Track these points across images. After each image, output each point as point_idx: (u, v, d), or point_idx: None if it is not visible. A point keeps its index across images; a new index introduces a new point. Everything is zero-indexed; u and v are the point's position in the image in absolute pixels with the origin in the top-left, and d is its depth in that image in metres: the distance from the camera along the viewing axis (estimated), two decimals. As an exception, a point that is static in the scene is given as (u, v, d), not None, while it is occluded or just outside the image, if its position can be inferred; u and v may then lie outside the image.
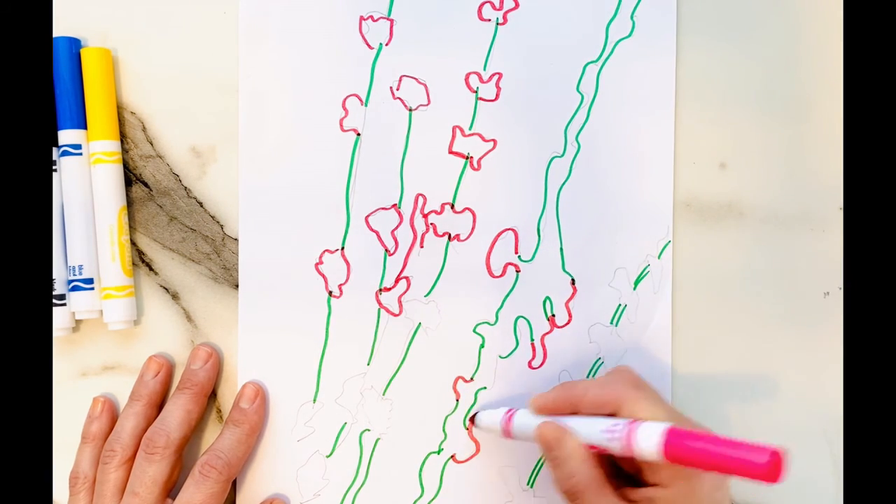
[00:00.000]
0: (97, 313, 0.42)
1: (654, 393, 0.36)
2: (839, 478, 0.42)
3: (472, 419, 0.42)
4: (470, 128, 0.42)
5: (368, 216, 0.42)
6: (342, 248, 0.42)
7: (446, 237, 0.42)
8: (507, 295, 0.42)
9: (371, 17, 0.42)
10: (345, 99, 0.42)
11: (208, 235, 0.43)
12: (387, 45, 0.42)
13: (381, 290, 0.42)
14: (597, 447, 0.34)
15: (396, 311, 0.42)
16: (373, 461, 0.42)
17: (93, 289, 0.41)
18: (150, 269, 0.43)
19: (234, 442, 0.40)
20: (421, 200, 0.42)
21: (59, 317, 0.41)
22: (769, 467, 0.28)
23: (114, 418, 0.42)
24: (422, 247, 0.42)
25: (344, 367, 0.42)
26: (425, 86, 0.42)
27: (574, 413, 0.36)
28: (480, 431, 0.42)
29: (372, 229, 0.42)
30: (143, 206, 0.43)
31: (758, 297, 0.42)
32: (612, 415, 0.34)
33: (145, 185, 0.43)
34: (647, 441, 0.31)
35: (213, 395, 0.42)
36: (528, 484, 0.42)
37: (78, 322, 0.42)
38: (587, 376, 0.42)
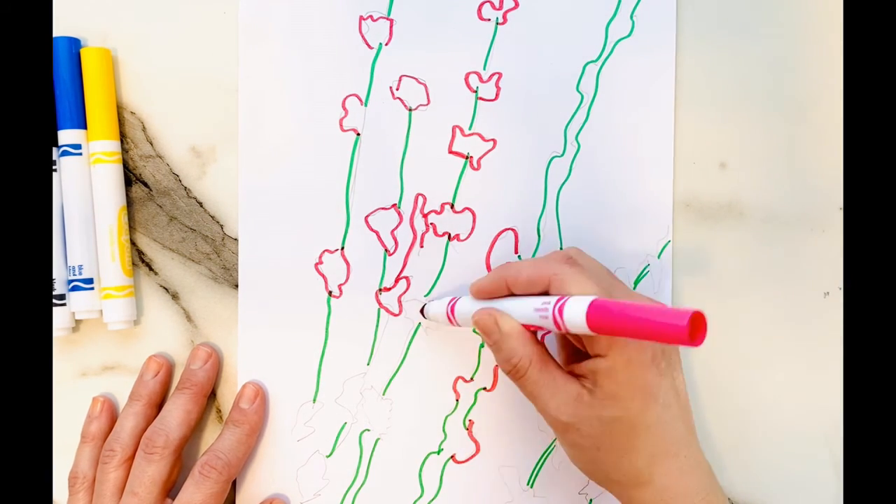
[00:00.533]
0: (97, 313, 0.42)
1: (590, 267, 0.36)
2: (839, 478, 0.42)
3: (422, 311, 0.41)
4: (470, 127, 0.42)
5: (368, 216, 0.42)
6: (342, 248, 0.42)
7: (446, 237, 0.42)
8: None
9: (371, 16, 0.42)
10: (345, 99, 0.42)
11: (208, 235, 0.43)
12: (386, 44, 0.42)
13: (380, 289, 0.42)
14: (532, 326, 0.34)
15: (396, 311, 0.42)
16: (373, 461, 0.42)
17: (93, 289, 0.41)
18: (150, 269, 0.43)
19: (234, 442, 0.40)
20: (421, 200, 0.42)
21: (59, 317, 0.41)
22: (689, 330, 0.28)
23: (113, 418, 0.42)
24: (422, 247, 0.42)
25: (344, 367, 0.42)
26: (425, 85, 0.42)
27: (510, 294, 0.36)
28: (430, 322, 0.41)
29: (372, 229, 0.42)
30: (143, 206, 0.43)
31: (758, 297, 0.42)
32: (545, 293, 0.35)
33: (145, 185, 0.43)
34: (574, 315, 0.31)
35: (212, 395, 0.42)
36: (527, 484, 0.42)
37: (78, 322, 0.42)
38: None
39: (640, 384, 0.33)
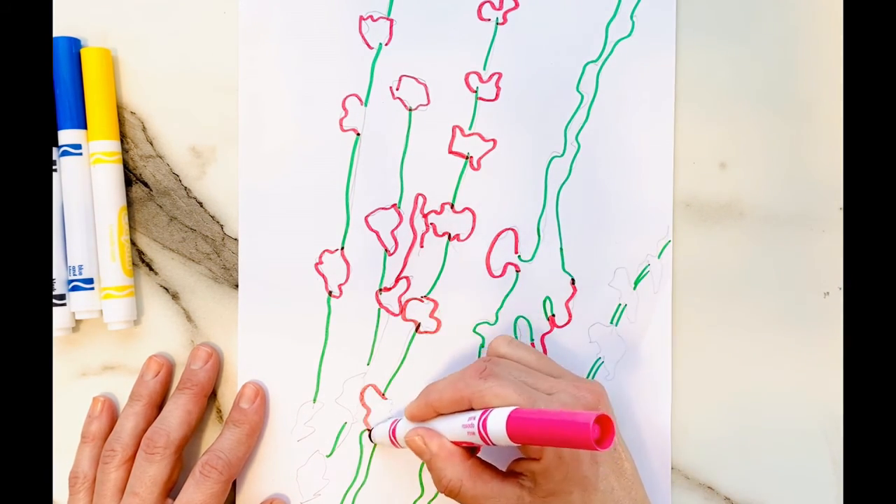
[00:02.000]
0: (97, 313, 0.42)
1: (507, 373, 0.36)
2: (839, 478, 0.42)
3: (370, 434, 0.42)
4: (470, 127, 0.42)
5: (368, 216, 0.42)
6: (342, 248, 0.42)
7: (446, 237, 0.42)
8: (507, 295, 0.42)
9: (371, 16, 0.42)
10: (344, 99, 0.42)
11: (208, 235, 0.43)
12: (386, 44, 0.42)
13: (381, 289, 0.42)
14: (466, 443, 0.35)
15: (396, 311, 0.42)
16: (373, 461, 0.42)
17: (93, 289, 0.41)
18: (150, 269, 0.43)
19: (235, 442, 0.40)
20: (421, 200, 0.42)
21: (59, 317, 0.41)
22: (596, 436, 0.29)
23: (113, 418, 0.42)
24: (422, 247, 0.42)
25: (344, 367, 0.42)
26: (425, 85, 0.42)
27: (439, 415, 0.37)
28: (379, 445, 0.42)
29: (372, 229, 0.42)
30: (143, 206, 0.43)
31: (758, 297, 0.42)
32: (470, 409, 0.35)
33: (145, 185, 0.43)
34: (496, 429, 0.32)
35: (213, 395, 0.42)
36: (528, 484, 0.42)
37: (78, 322, 0.42)
38: (587, 376, 0.42)
39: (577, 478, 0.34)
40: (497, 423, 0.32)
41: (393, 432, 0.40)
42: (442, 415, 0.37)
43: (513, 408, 0.32)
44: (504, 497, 0.35)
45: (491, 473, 0.36)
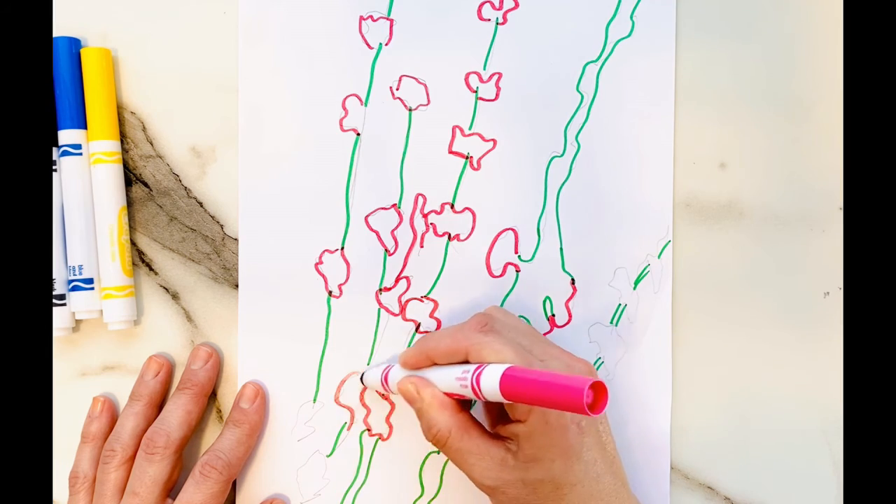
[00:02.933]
0: (97, 313, 0.42)
1: (507, 331, 0.36)
2: (839, 478, 0.42)
3: (362, 378, 0.42)
4: (470, 127, 0.42)
5: (368, 216, 0.42)
6: (342, 248, 0.42)
7: (446, 237, 0.42)
8: (507, 295, 0.42)
9: (371, 16, 0.42)
10: (344, 99, 0.42)
11: (208, 235, 0.43)
12: (386, 44, 0.42)
13: (381, 289, 0.42)
14: (456, 395, 0.35)
15: (396, 311, 0.42)
16: (373, 461, 0.42)
17: (93, 289, 0.41)
18: (150, 269, 0.43)
19: (235, 442, 0.40)
20: (421, 200, 0.42)
21: (59, 317, 0.41)
22: (591, 399, 0.29)
23: (114, 418, 0.42)
24: (422, 247, 0.42)
25: (344, 367, 0.42)
26: (425, 85, 0.42)
27: (433, 364, 0.37)
28: (370, 391, 0.42)
29: (372, 229, 0.42)
30: (143, 206, 0.43)
31: (758, 297, 0.42)
32: (466, 361, 0.35)
33: (145, 185, 0.43)
34: (489, 384, 0.32)
35: (213, 395, 0.42)
36: (528, 484, 0.42)
37: (78, 322, 0.42)
38: (587, 376, 0.42)
39: (561, 445, 0.34)
40: (491, 378, 0.32)
41: (385, 378, 0.39)
42: (436, 364, 0.36)
43: (507, 365, 0.32)
44: (489, 456, 0.35)
45: (479, 430, 0.36)
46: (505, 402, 0.33)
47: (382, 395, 0.42)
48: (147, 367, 0.42)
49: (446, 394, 0.36)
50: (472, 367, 0.34)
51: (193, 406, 0.40)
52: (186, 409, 0.40)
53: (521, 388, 0.31)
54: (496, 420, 0.37)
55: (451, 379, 0.35)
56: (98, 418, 0.41)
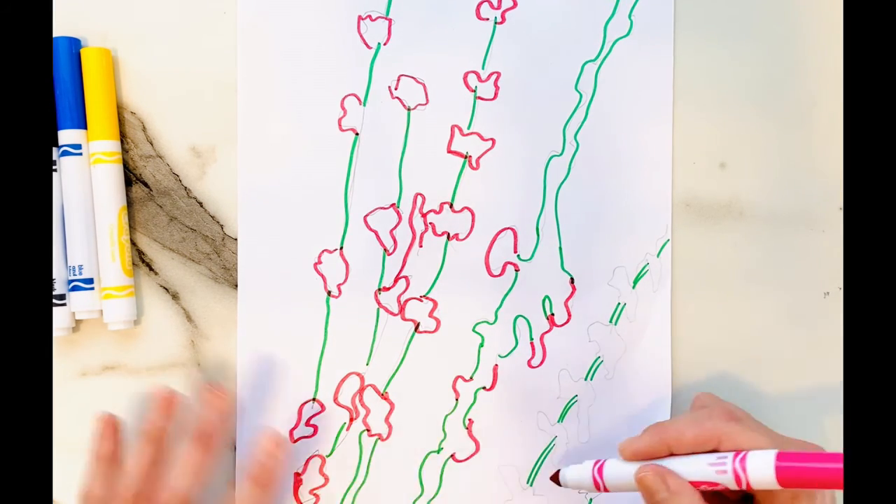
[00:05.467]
0: (97, 313, 0.42)
1: (748, 418, 0.36)
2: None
3: (555, 478, 0.39)
4: (468, 127, 0.42)
5: (367, 216, 0.42)
6: (341, 248, 0.42)
7: (445, 236, 0.42)
8: (507, 294, 0.42)
9: (369, 16, 0.42)
10: (343, 98, 0.42)
11: (208, 235, 0.43)
12: (385, 44, 0.42)
13: (380, 289, 0.42)
14: (704, 482, 0.34)
15: (395, 311, 0.42)
16: (373, 461, 0.42)
17: (93, 289, 0.41)
18: (150, 269, 0.43)
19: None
20: (420, 200, 0.42)
21: (59, 317, 0.41)
22: None
23: (119, 437, 0.39)
24: (421, 246, 0.42)
25: (343, 367, 0.42)
26: (424, 85, 0.42)
27: (670, 455, 0.35)
28: (567, 487, 0.39)
29: (371, 229, 0.42)
30: (143, 206, 0.43)
31: (758, 297, 0.42)
32: (713, 451, 0.34)
33: (145, 185, 0.43)
34: (761, 470, 0.32)
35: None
36: (527, 482, 0.42)
37: (78, 322, 0.43)
38: (587, 375, 0.42)
39: None
40: (762, 462, 0.32)
41: (599, 472, 0.37)
42: (673, 455, 0.35)
43: (775, 450, 0.32)
44: None
45: None
46: (775, 488, 0.32)
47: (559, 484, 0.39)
48: (154, 402, 0.38)
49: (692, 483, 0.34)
50: (729, 454, 0.33)
51: (203, 457, 0.37)
52: (195, 460, 0.37)
53: (802, 471, 0.31)
54: None
55: (702, 466, 0.34)
56: (107, 438, 0.38)
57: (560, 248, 0.42)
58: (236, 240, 0.42)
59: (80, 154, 0.41)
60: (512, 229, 0.42)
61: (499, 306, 0.42)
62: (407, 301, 0.42)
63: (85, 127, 0.42)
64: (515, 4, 0.42)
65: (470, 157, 0.42)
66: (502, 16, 0.42)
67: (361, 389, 0.42)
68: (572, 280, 0.42)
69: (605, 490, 0.37)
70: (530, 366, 0.42)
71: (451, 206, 0.42)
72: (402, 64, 0.42)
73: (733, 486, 0.33)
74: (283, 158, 0.42)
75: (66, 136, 0.41)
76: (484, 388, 0.42)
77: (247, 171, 0.42)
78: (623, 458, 0.36)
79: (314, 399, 0.42)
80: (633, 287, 0.42)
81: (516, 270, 0.42)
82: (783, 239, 0.42)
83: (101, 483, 0.38)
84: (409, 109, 0.42)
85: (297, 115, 0.42)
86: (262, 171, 0.42)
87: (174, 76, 0.42)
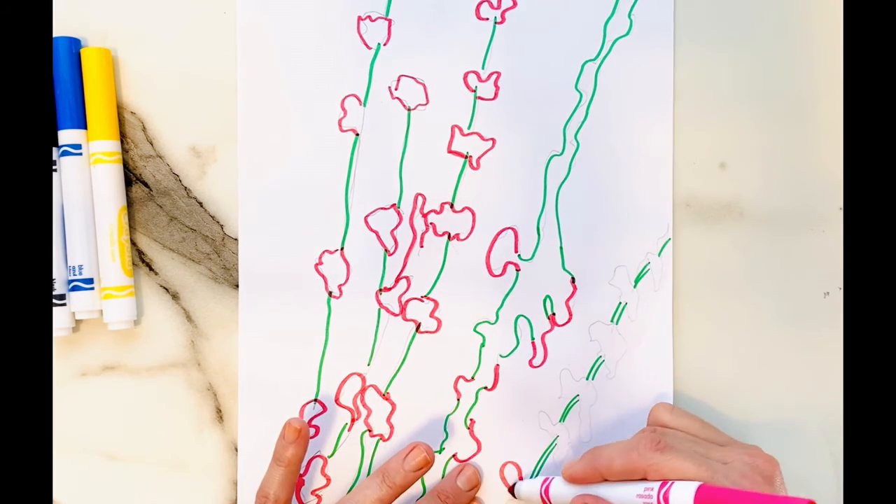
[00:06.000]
0: (97, 313, 0.42)
1: (682, 444, 0.36)
2: (839, 478, 0.42)
3: (511, 489, 0.42)
4: (469, 127, 0.42)
5: (368, 216, 0.42)
6: (342, 249, 0.42)
7: (446, 236, 0.42)
8: (508, 294, 0.42)
9: (369, 16, 0.42)
10: (343, 99, 0.42)
11: (208, 235, 0.43)
12: (385, 44, 0.42)
13: (381, 289, 0.42)
14: None
15: (396, 311, 0.42)
16: (374, 461, 0.42)
17: (93, 289, 0.41)
18: (150, 269, 0.43)
19: (279, 480, 0.39)
20: (420, 200, 0.42)
21: (59, 317, 0.41)
22: None
23: (306, 445, 0.40)
24: (421, 246, 0.42)
25: (344, 368, 0.42)
26: (424, 85, 0.42)
27: (604, 481, 0.36)
28: (521, 500, 0.41)
29: (371, 229, 0.42)
30: (143, 206, 0.43)
31: (758, 296, 0.42)
32: (642, 479, 0.35)
33: (145, 185, 0.43)
34: (681, 502, 0.32)
35: (213, 395, 0.42)
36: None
37: (78, 322, 0.42)
38: (588, 375, 0.42)
39: None
40: (682, 496, 0.32)
41: (545, 491, 0.39)
42: (607, 481, 0.36)
43: (697, 483, 0.32)
44: None
45: None
46: None
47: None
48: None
49: None
50: (655, 486, 0.33)
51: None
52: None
53: None
54: None
55: (631, 496, 0.34)
56: (295, 443, 0.39)
57: (561, 248, 0.42)
58: (236, 240, 0.42)
59: (80, 154, 0.41)
60: (513, 229, 0.42)
61: (500, 306, 0.42)
62: (408, 301, 0.42)
63: (85, 127, 0.42)
64: (515, 4, 0.42)
65: (470, 157, 0.42)
66: (502, 16, 0.42)
67: (363, 390, 0.42)
68: (573, 279, 0.42)
69: None
70: (532, 366, 0.42)
71: (451, 206, 0.42)
72: (402, 64, 0.42)
73: None
74: (283, 158, 0.42)
75: (66, 136, 0.41)
76: (485, 388, 0.42)
77: (247, 171, 0.42)
78: (564, 479, 0.38)
79: (315, 400, 0.42)
80: (635, 286, 0.42)
81: (517, 270, 0.42)
82: (783, 239, 0.42)
83: (279, 487, 0.39)
84: (409, 110, 0.42)
85: (297, 115, 0.42)
86: (262, 171, 0.42)
87: (174, 76, 0.42)
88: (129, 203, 0.43)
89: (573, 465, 0.37)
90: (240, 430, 0.42)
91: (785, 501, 0.29)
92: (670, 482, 0.33)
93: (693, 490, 0.32)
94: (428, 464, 0.40)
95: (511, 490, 0.42)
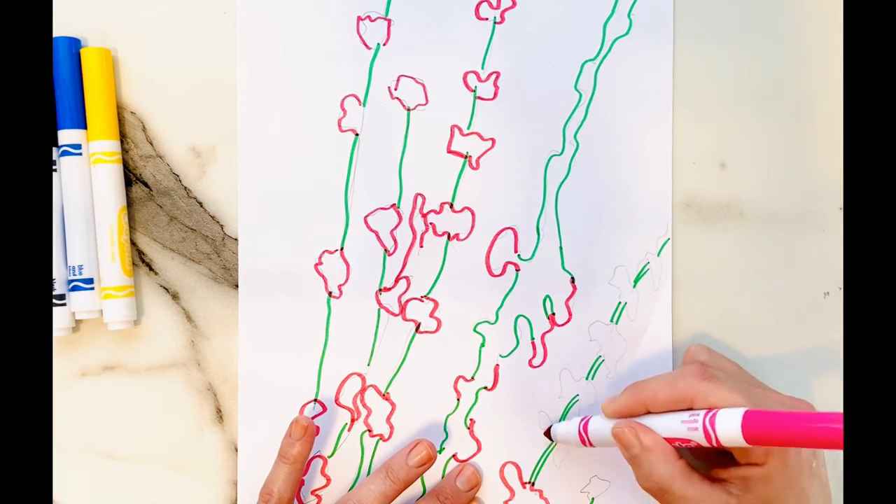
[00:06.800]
0: (97, 313, 0.42)
1: (728, 377, 0.36)
2: (839, 478, 0.42)
3: (547, 433, 0.41)
4: (468, 127, 0.42)
5: (367, 216, 0.42)
6: (341, 249, 0.42)
7: (446, 236, 0.42)
8: (507, 294, 0.42)
9: (368, 17, 0.42)
10: (343, 99, 0.42)
11: (208, 235, 0.43)
12: (384, 44, 0.42)
13: (380, 290, 0.42)
14: (678, 439, 0.34)
15: (396, 311, 0.42)
16: (374, 461, 0.42)
17: (93, 289, 0.41)
18: (150, 269, 0.43)
19: (284, 477, 0.39)
20: (420, 200, 0.42)
21: (59, 317, 0.41)
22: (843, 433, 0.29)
23: (312, 443, 0.40)
24: (421, 246, 0.42)
25: (344, 368, 0.42)
26: (423, 85, 0.42)
27: (647, 412, 0.36)
28: (558, 442, 0.41)
29: (371, 229, 0.42)
30: (143, 206, 0.43)
31: (758, 296, 0.42)
32: (688, 409, 0.35)
33: (145, 185, 0.43)
34: (728, 429, 0.32)
35: (213, 395, 0.42)
36: (529, 482, 0.42)
37: (78, 322, 0.43)
38: (587, 375, 0.42)
39: (796, 487, 0.34)
40: (730, 420, 0.32)
41: (584, 428, 0.39)
42: (650, 413, 0.36)
43: (744, 408, 0.32)
44: (711, 501, 0.34)
45: (699, 476, 0.35)
46: (741, 445, 0.32)
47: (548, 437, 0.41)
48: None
49: (667, 439, 0.35)
50: (700, 412, 0.33)
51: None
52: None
53: (768, 429, 0.31)
54: (712, 465, 0.36)
55: (675, 423, 0.34)
56: (301, 441, 0.40)
57: (560, 248, 0.42)
58: (236, 240, 0.42)
59: (80, 154, 0.41)
60: (512, 229, 0.42)
61: (500, 306, 0.42)
62: (408, 301, 0.42)
63: (85, 127, 0.42)
64: (515, 4, 0.42)
65: (470, 157, 0.42)
66: (501, 15, 0.42)
67: (363, 390, 0.42)
68: (573, 279, 0.42)
69: (591, 445, 0.39)
70: (531, 365, 0.42)
71: (451, 206, 0.42)
72: (402, 64, 0.42)
73: (704, 442, 0.33)
74: (283, 158, 0.42)
75: (66, 136, 0.41)
76: (485, 387, 0.42)
77: (247, 171, 0.42)
78: (605, 415, 0.38)
79: (315, 400, 0.42)
80: (634, 286, 0.42)
81: (517, 270, 0.42)
82: (783, 239, 0.42)
83: (283, 485, 0.39)
84: (408, 110, 0.42)
85: (297, 115, 0.42)
86: (262, 171, 0.42)
87: (174, 76, 0.42)
88: (129, 203, 0.43)
89: (615, 400, 0.37)
90: (240, 430, 0.42)
91: (828, 417, 0.29)
92: (716, 409, 0.33)
93: (740, 414, 0.32)
94: (431, 460, 0.40)
95: (547, 433, 0.41)
